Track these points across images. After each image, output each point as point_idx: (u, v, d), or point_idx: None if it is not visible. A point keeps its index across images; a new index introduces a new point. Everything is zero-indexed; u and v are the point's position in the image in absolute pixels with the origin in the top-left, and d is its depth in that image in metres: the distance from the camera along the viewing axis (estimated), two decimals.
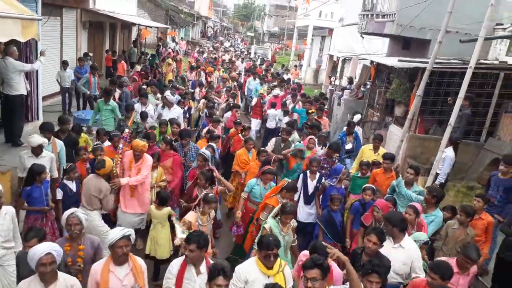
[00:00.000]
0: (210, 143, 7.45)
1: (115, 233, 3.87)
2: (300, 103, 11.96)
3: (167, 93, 9.88)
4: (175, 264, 4.07)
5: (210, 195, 5.28)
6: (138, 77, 14.19)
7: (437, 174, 7.84)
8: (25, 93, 7.64)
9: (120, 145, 6.29)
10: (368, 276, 3.64)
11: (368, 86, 13.54)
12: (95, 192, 5.54)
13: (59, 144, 6.66)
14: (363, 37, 15.70)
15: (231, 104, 11.56)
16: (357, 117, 10.79)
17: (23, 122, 7.94)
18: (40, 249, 3.51)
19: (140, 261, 4.10)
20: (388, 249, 4.47)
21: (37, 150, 5.92)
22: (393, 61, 10.83)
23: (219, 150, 8.00)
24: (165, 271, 4.20)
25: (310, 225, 6.76)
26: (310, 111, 10.49)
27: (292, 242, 5.23)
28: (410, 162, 9.16)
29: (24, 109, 8.01)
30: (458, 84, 8.38)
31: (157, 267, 5.86)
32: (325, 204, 6.59)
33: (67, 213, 4.37)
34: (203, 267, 3.99)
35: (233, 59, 25.88)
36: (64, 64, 11.50)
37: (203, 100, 11.76)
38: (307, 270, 3.59)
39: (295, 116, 11.44)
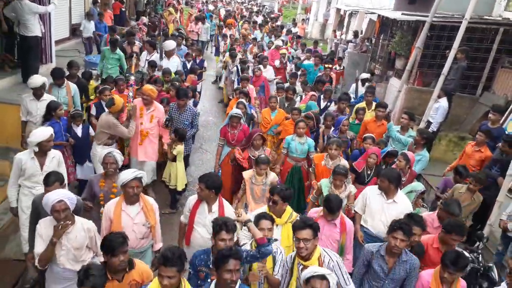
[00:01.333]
0: (240, 100, 7.53)
1: (127, 174, 4.05)
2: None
3: (167, 42, 9.86)
4: (191, 200, 4.38)
5: (261, 156, 5.37)
6: (143, 27, 14.30)
7: (430, 122, 8.25)
8: (40, 35, 7.95)
9: (130, 93, 6.49)
10: (393, 232, 3.78)
11: (373, 41, 13.72)
12: (104, 127, 5.90)
13: (73, 87, 6.94)
14: None
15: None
16: (364, 75, 10.69)
17: (38, 63, 8.30)
18: (53, 197, 3.63)
19: (151, 201, 4.28)
20: (381, 204, 4.71)
21: (38, 92, 6.05)
22: (396, 15, 10.99)
23: (251, 108, 7.99)
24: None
25: None
26: (327, 66, 10.54)
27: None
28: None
29: (39, 50, 8.35)
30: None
31: (174, 197, 6.56)
32: None
33: (103, 152, 4.72)
34: (215, 207, 4.25)
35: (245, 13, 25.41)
36: (89, 16, 12.16)
37: (227, 54, 11.79)
38: (298, 231, 3.56)
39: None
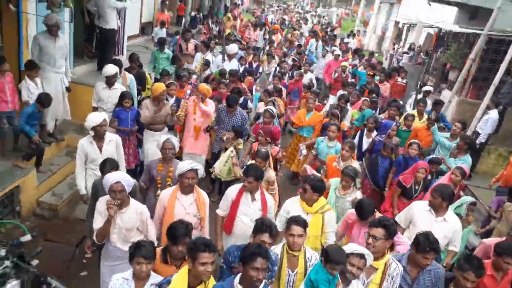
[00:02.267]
0: (271, 98, 7.68)
1: (185, 165, 4.19)
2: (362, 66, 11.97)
3: (230, 45, 10.36)
4: (232, 192, 4.48)
5: (262, 150, 5.44)
6: (207, 30, 15.12)
7: (478, 133, 8.28)
8: (116, 28, 8.79)
9: (188, 91, 6.87)
10: (425, 253, 3.57)
11: (429, 53, 13.72)
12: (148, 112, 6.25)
13: (129, 77, 7.29)
14: (430, 4, 15.63)
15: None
16: (427, 88, 10.31)
17: (112, 54, 9.17)
18: (112, 177, 3.82)
19: (204, 195, 4.39)
20: (430, 222, 4.40)
21: (111, 80, 6.42)
22: (453, 27, 11.03)
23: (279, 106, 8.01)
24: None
25: None
26: (370, 73, 10.78)
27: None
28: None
29: (115, 42, 9.22)
30: None
31: (220, 187, 6.82)
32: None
33: (162, 138, 4.99)
34: (257, 195, 4.42)
35: (300, 21, 26.01)
36: (162, 24, 13.00)
37: (265, 56, 12.16)
38: (372, 228, 3.66)
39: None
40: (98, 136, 5.09)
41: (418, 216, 4.53)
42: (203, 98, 6.66)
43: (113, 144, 5.21)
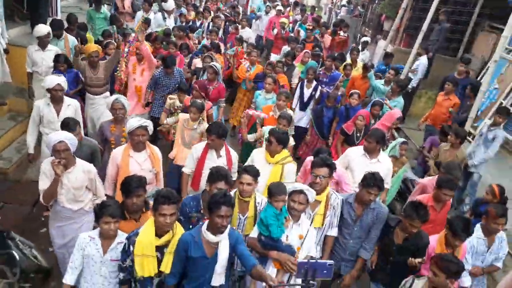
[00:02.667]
0: (208, 53, 7.57)
1: (133, 122, 4.20)
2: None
3: (168, 2, 10.04)
4: (198, 149, 4.61)
5: (198, 101, 5.47)
6: None
7: (411, 79, 8.94)
8: None
9: (126, 49, 6.73)
10: (369, 188, 3.88)
11: (365, 5, 14.22)
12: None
13: (71, 40, 7.03)
14: None
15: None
16: (364, 39, 10.98)
17: (46, 16, 8.69)
18: (55, 137, 3.77)
19: (157, 150, 4.48)
20: (366, 165, 4.70)
21: (43, 41, 6.16)
22: None
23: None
24: None
25: (302, 128, 7.23)
26: (310, 27, 10.99)
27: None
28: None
29: (48, 2, 8.72)
30: (444, 1, 9.17)
31: None
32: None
33: (112, 98, 4.94)
34: (223, 152, 4.60)
35: None
36: None
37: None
38: (317, 168, 3.96)
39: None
40: (54, 99, 5.02)
41: (354, 161, 4.84)
42: (141, 56, 6.66)
43: (71, 109, 5.14)
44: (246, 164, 4.48)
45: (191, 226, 3.63)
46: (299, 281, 3.03)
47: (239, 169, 4.10)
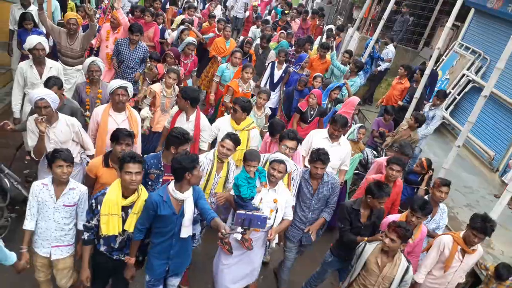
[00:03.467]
0: (184, 26, 7.69)
1: (114, 83, 4.44)
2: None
3: None
4: (174, 109, 4.98)
5: (174, 67, 5.70)
6: None
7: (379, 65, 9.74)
8: None
9: (97, 15, 6.82)
10: (314, 163, 4.21)
11: None
12: None
13: (54, 4, 7.14)
14: None
15: None
16: (328, 26, 11.39)
17: None
18: (36, 94, 3.90)
19: (136, 113, 4.69)
20: (327, 147, 4.72)
21: (26, 0, 6.35)
22: None
23: None
24: None
25: (271, 109, 7.07)
26: (286, 11, 11.41)
27: (263, 127, 5.85)
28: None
29: None
30: None
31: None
32: (289, 86, 7.28)
33: (88, 60, 5.05)
34: (192, 117, 4.87)
35: None
36: None
37: None
38: (288, 140, 4.35)
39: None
40: (36, 60, 5.07)
41: (317, 143, 4.99)
42: (115, 24, 6.77)
43: (54, 71, 5.19)
44: (210, 130, 4.84)
45: (149, 182, 3.92)
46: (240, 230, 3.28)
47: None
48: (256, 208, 3.85)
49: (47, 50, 5.14)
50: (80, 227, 3.57)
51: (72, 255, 3.68)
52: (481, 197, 7.08)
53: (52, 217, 3.45)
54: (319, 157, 4.15)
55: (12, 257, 3.19)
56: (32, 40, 4.94)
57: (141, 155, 3.58)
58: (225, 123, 5.00)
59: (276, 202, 3.96)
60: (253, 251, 4.00)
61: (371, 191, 3.94)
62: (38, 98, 3.86)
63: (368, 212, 4.09)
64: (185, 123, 4.79)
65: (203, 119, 4.96)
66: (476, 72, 9.02)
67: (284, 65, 7.55)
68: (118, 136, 3.70)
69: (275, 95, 7.48)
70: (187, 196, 3.34)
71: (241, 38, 10.95)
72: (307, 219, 4.39)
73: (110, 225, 3.30)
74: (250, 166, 3.89)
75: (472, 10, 9.84)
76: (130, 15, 8.10)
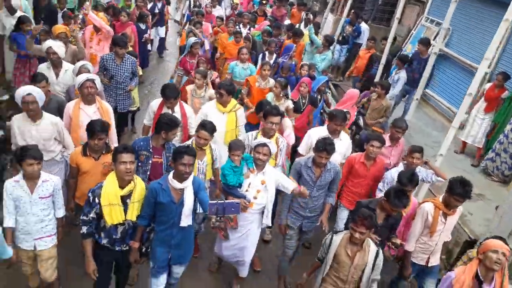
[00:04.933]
0: (189, 27, 8.03)
1: (82, 76, 4.61)
2: None
3: None
4: (155, 104, 5.06)
5: (201, 68, 5.94)
6: None
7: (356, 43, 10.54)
8: None
9: (80, 15, 7.27)
10: (319, 152, 4.19)
11: None
12: None
13: (24, 3, 7.50)
14: None
15: None
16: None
17: None
18: (24, 90, 4.04)
19: (107, 105, 4.88)
20: None
21: (11, 11, 6.82)
22: None
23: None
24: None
25: None
26: (264, 1, 11.94)
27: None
28: None
29: None
30: None
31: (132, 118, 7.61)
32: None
33: (78, 64, 5.35)
34: (177, 108, 5.01)
35: None
36: None
37: None
38: (272, 116, 4.54)
39: None
40: (52, 63, 5.42)
41: None
42: (98, 28, 6.99)
43: (69, 73, 5.48)
44: (198, 117, 5.01)
45: (139, 163, 4.12)
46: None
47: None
48: (242, 195, 4.06)
49: (61, 55, 5.45)
50: (58, 215, 3.77)
51: (55, 245, 3.82)
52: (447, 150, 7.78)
53: (30, 211, 3.55)
54: (325, 147, 4.15)
55: (9, 252, 3.35)
56: (46, 44, 5.42)
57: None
58: (211, 108, 5.21)
59: (264, 184, 4.14)
60: (251, 233, 4.27)
61: (389, 196, 3.93)
62: (25, 94, 4.03)
63: (384, 214, 4.07)
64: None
65: (187, 108, 5.17)
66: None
67: (274, 56, 7.85)
68: (92, 131, 3.88)
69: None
70: (185, 186, 3.48)
71: None
72: (307, 205, 4.45)
73: (113, 215, 3.42)
74: (235, 155, 4.10)
75: None
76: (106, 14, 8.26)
